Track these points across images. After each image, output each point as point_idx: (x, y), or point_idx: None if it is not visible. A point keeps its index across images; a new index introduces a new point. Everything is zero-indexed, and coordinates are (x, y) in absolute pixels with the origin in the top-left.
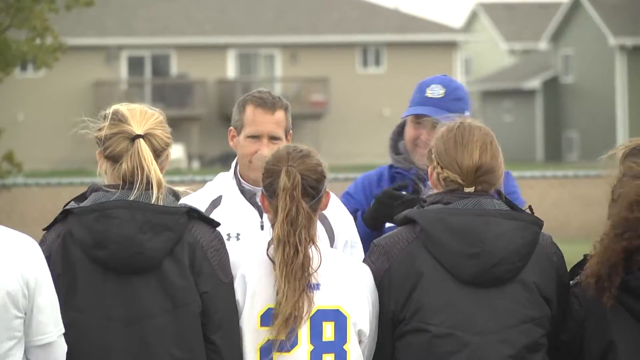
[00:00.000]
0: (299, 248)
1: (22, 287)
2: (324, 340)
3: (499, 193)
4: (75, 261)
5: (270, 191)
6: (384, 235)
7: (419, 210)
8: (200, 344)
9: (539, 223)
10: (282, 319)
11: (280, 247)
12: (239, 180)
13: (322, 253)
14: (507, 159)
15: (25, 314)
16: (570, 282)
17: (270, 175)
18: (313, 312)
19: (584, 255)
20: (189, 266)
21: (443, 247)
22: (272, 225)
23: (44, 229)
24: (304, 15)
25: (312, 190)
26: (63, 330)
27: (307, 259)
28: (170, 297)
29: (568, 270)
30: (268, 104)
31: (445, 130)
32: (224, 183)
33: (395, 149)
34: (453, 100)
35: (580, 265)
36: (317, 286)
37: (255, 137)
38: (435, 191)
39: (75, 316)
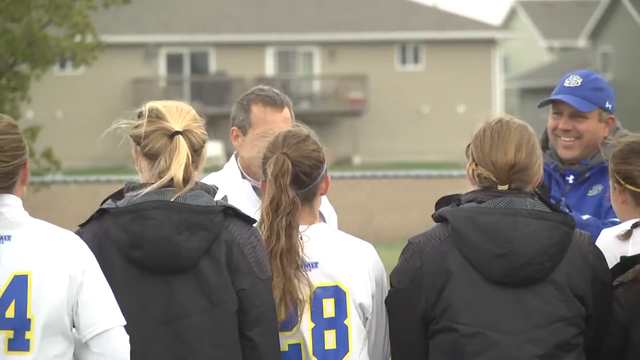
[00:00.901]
0: (280, 234)
1: (70, 282)
2: (324, 317)
3: (535, 192)
4: (112, 261)
5: (265, 176)
6: (419, 234)
7: (452, 209)
8: (237, 341)
9: (569, 223)
10: (282, 302)
11: (264, 233)
12: (245, 178)
13: (320, 233)
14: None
15: (73, 309)
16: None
17: (266, 161)
18: (313, 289)
19: (621, 257)
20: (225, 264)
21: (472, 246)
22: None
23: (79, 226)
24: (343, 12)
25: (305, 177)
26: (121, 322)
27: (291, 244)
28: (207, 296)
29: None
30: (277, 102)
31: (483, 126)
32: (229, 182)
33: (544, 143)
34: (591, 90)
35: (619, 267)
36: (315, 264)
37: (267, 136)
38: (472, 188)
39: None
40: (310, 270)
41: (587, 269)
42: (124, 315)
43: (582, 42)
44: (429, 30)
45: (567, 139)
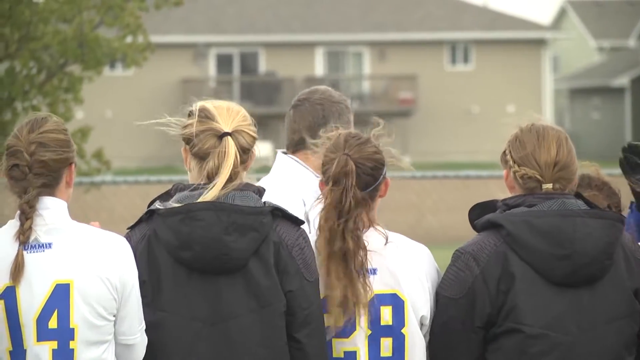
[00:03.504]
0: (345, 236)
1: (112, 291)
2: (382, 324)
3: (577, 193)
4: (160, 262)
5: (326, 177)
6: (466, 243)
7: (503, 215)
8: (284, 343)
9: (623, 220)
10: (333, 307)
11: (323, 235)
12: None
13: (378, 238)
14: (595, 157)
15: (114, 316)
16: None
17: (328, 162)
18: (371, 296)
19: None
20: (274, 265)
21: (532, 250)
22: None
23: (128, 228)
24: (392, 12)
25: (369, 177)
26: (145, 327)
27: (358, 246)
28: (256, 297)
29: None
30: None
31: (520, 131)
32: (300, 185)
33: None
34: None
35: None
36: (374, 271)
37: None
38: (511, 194)
39: (161, 316)
40: (369, 277)
41: (637, 265)
42: (173, 315)
43: (632, 42)
44: (478, 30)
45: None
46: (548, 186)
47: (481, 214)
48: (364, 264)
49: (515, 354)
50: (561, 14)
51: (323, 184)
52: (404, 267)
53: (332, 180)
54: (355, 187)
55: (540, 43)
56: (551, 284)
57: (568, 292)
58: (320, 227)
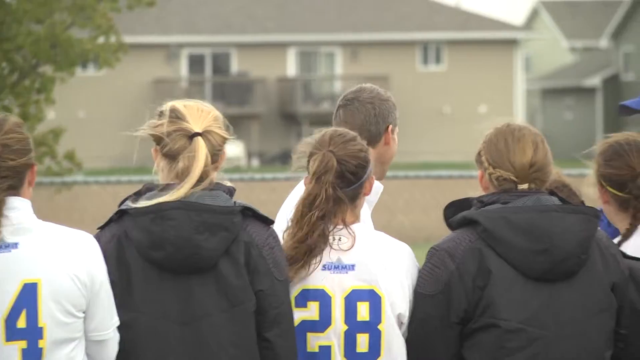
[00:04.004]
0: (306, 229)
1: (80, 288)
2: (358, 320)
3: (550, 191)
4: (130, 262)
5: (310, 173)
6: (441, 240)
7: (479, 211)
8: (255, 342)
9: (598, 215)
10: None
11: (292, 226)
12: None
13: (359, 234)
14: (567, 156)
15: (84, 313)
16: None
17: (311, 156)
18: (348, 292)
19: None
20: (244, 265)
21: (509, 245)
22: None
23: (98, 228)
24: (365, 12)
25: (352, 176)
26: (118, 323)
27: (319, 240)
28: (227, 297)
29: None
30: None
31: (494, 132)
32: None
33: None
34: None
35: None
36: (352, 267)
37: None
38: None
39: (133, 316)
40: (346, 273)
41: (612, 260)
42: (144, 315)
43: (604, 42)
44: (451, 30)
45: None
46: (523, 186)
47: (456, 212)
48: (321, 257)
49: (492, 349)
50: (533, 15)
51: (308, 180)
52: (383, 264)
53: (313, 176)
54: (335, 184)
55: (512, 43)
56: (528, 279)
57: (545, 287)
58: (290, 219)
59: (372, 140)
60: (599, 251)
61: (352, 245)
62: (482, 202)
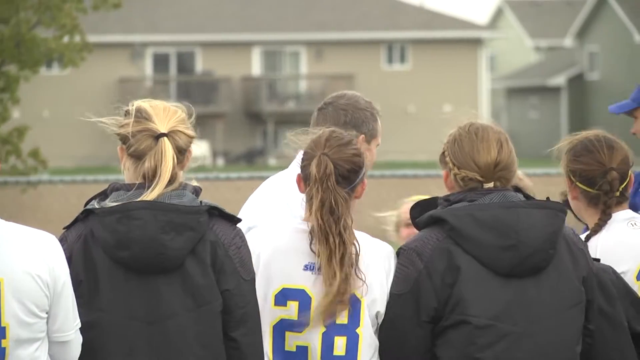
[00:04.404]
0: (344, 237)
1: (43, 288)
2: (337, 322)
3: (516, 188)
4: (97, 262)
5: (304, 175)
6: (409, 240)
7: (446, 210)
8: (221, 342)
9: (565, 210)
10: (325, 307)
11: (323, 238)
12: None
13: (358, 239)
14: (532, 155)
15: (47, 313)
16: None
17: (307, 158)
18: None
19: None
20: (210, 264)
21: (477, 242)
22: (310, 214)
23: (64, 228)
24: (329, 12)
25: (343, 180)
26: (80, 325)
27: (352, 244)
28: (193, 297)
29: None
30: None
31: (457, 131)
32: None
33: None
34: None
35: None
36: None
37: None
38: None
39: (99, 316)
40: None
41: (582, 256)
42: (110, 315)
43: (568, 42)
44: (415, 29)
45: None
46: (489, 185)
47: (422, 212)
48: (355, 262)
49: (463, 345)
50: (498, 14)
51: (300, 178)
52: (364, 266)
53: (316, 180)
54: (337, 186)
55: (476, 42)
56: (497, 276)
57: (514, 283)
58: (319, 230)
59: None
60: (566, 246)
61: (359, 251)
62: (448, 201)
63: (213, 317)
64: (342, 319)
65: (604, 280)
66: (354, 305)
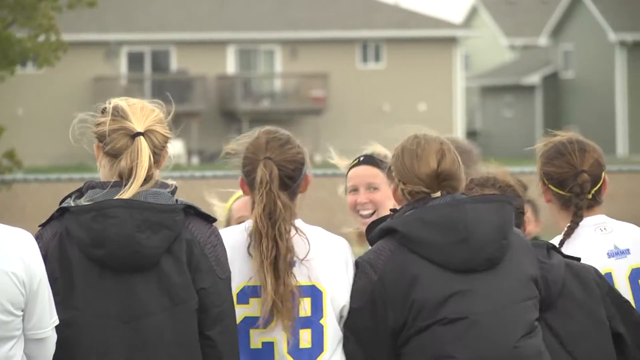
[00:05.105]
0: (279, 241)
1: (19, 286)
2: (301, 315)
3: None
4: (72, 259)
5: (249, 180)
6: (364, 253)
7: (394, 220)
8: (197, 340)
9: (510, 201)
10: (266, 310)
11: (258, 240)
12: None
13: (307, 235)
14: (507, 154)
15: (22, 311)
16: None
17: (249, 163)
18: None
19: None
20: (186, 263)
21: (428, 244)
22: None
23: (40, 225)
24: (304, 10)
25: (289, 180)
26: (57, 322)
27: (287, 248)
28: (169, 295)
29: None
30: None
31: (400, 147)
32: None
33: None
34: None
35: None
36: (293, 263)
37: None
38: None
39: (74, 314)
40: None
41: (532, 252)
42: (85, 313)
43: (543, 40)
44: (390, 28)
45: None
46: (437, 194)
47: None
48: (291, 264)
49: (431, 347)
50: (473, 12)
51: (244, 182)
52: (322, 259)
53: (261, 186)
54: (281, 190)
55: (451, 41)
56: (455, 273)
57: (473, 277)
58: (255, 233)
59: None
60: (518, 242)
61: (308, 251)
62: (397, 212)
63: (189, 316)
64: (305, 311)
65: (588, 280)
66: (316, 297)
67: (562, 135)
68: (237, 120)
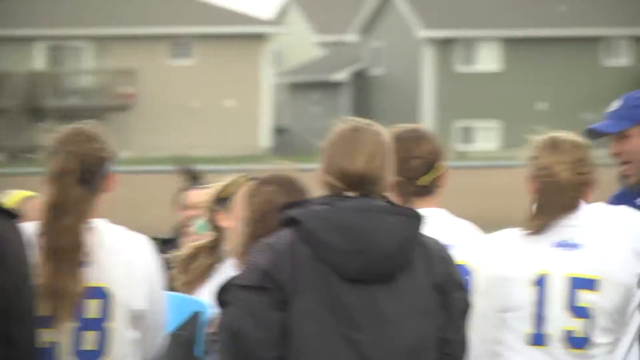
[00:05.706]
0: (64, 236)
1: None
2: (86, 317)
3: (383, 196)
4: None
5: (47, 170)
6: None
7: (302, 210)
8: None
9: (420, 217)
10: (42, 296)
11: (40, 233)
12: None
13: (99, 231)
14: (313, 150)
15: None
16: None
17: (51, 156)
18: (79, 290)
19: None
20: None
21: (326, 246)
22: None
23: None
24: (113, 6)
25: (90, 175)
26: None
27: (77, 242)
28: None
29: None
30: None
31: (336, 132)
32: None
33: None
34: (628, 108)
35: None
36: (86, 264)
37: None
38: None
39: None
40: (81, 271)
41: (439, 262)
42: None
43: (352, 37)
44: (200, 25)
45: (621, 167)
46: (351, 193)
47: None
48: (78, 259)
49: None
50: (285, 9)
51: (47, 180)
52: (115, 260)
53: (53, 176)
54: (76, 184)
55: (259, 38)
56: (346, 281)
57: (365, 288)
58: (41, 224)
59: None
60: (422, 253)
61: (91, 243)
62: (310, 203)
63: None
64: (93, 313)
65: None
66: (105, 300)
67: (407, 125)
68: (45, 117)
